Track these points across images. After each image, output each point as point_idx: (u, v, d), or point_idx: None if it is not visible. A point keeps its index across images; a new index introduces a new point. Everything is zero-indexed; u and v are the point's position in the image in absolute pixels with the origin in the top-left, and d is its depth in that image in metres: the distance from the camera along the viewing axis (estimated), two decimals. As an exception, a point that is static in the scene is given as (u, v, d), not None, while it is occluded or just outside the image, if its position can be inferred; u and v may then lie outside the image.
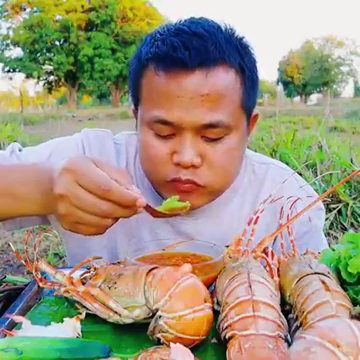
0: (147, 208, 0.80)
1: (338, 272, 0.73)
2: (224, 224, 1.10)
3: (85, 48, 40.85)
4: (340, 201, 3.80)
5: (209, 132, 0.92)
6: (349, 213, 3.74)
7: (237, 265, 0.74)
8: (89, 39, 41.55)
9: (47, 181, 0.81)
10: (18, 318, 0.70)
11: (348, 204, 3.76)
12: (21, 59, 42.39)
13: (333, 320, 0.56)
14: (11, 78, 45.43)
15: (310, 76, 60.57)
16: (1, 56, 42.54)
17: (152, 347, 0.61)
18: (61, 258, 3.44)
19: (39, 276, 0.84)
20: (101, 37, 41.31)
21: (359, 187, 3.99)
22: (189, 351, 0.58)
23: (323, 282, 0.66)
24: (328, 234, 3.57)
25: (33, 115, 20.97)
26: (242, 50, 0.95)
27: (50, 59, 43.28)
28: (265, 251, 0.83)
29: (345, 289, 0.69)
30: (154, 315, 0.66)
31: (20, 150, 1.09)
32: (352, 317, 0.61)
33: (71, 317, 0.71)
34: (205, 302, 0.65)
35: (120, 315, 0.71)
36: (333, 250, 0.80)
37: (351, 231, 2.70)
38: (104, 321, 0.73)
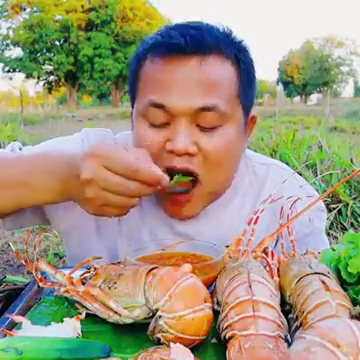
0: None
1: (338, 272, 0.73)
2: (224, 225, 1.09)
3: (85, 48, 40.85)
4: (340, 201, 3.80)
5: (204, 119, 0.91)
6: (349, 213, 3.74)
7: (237, 265, 0.74)
8: (89, 39, 41.54)
9: (65, 168, 0.84)
10: (18, 318, 0.70)
11: (348, 204, 3.76)
12: (21, 59, 42.38)
13: (333, 320, 0.56)
14: (11, 78, 45.44)
15: (310, 76, 60.55)
16: (1, 56, 42.52)
17: (152, 347, 0.61)
18: (61, 258, 3.43)
19: (39, 276, 0.84)
20: (101, 37, 41.30)
21: (359, 187, 3.99)
22: (189, 351, 0.58)
23: (323, 282, 0.66)
24: (328, 234, 3.56)
25: (33, 115, 20.96)
26: (239, 47, 0.97)
27: (50, 59, 43.27)
28: (265, 251, 0.83)
29: (345, 289, 0.69)
30: (154, 315, 0.66)
31: (20, 149, 1.09)
32: (352, 317, 0.61)
33: (71, 317, 0.71)
34: (205, 302, 0.65)
35: (120, 315, 0.71)
36: (333, 250, 0.80)
37: (351, 231, 2.71)
38: (104, 321, 0.73)
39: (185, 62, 0.91)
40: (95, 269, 0.80)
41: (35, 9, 43.08)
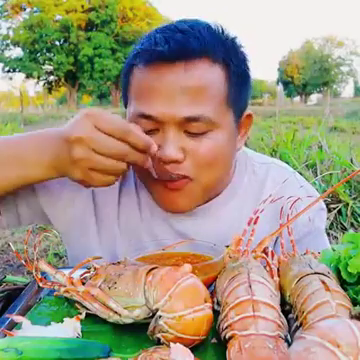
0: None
1: (338, 272, 0.73)
2: (223, 224, 1.08)
3: (85, 48, 40.83)
4: (340, 201, 3.80)
5: (191, 126, 0.90)
6: (349, 213, 3.74)
7: (237, 265, 0.74)
8: (89, 39, 41.52)
9: (61, 142, 0.83)
10: (18, 318, 0.70)
11: (348, 204, 3.76)
12: (21, 59, 42.36)
13: (333, 320, 0.56)
14: (11, 78, 45.40)
15: (310, 76, 60.54)
16: (1, 56, 42.50)
17: (152, 347, 0.61)
18: (61, 258, 3.44)
19: (39, 276, 0.84)
20: (101, 37, 41.29)
21: (359, 187, 3.99)
22: (189, 351, 0.58)
23: (323, 282, 0.66)
24: (328, 234, 3.56)
25: (33, 115, 20.99)
26: (230, 46, 0.94)
27: (50, 59, 43.25)
28: (265, 251, 0.83)
29: (345, 289, 0.69)
30: (154, 315, 0.66)
31: None
32: (352, 317, 0.61)
33: (71, 317, 0.71)
34: (205, 302, 0.65)
35: (120, 315, 0.71)
36: (333, 250, 0.80)
37: (351, 231, 2.71)
38: (104, 321, 0.73)
39: (169, 69, 0.89)
40: (95, 269, 0.80)
41: (35, 9, 43.06)
